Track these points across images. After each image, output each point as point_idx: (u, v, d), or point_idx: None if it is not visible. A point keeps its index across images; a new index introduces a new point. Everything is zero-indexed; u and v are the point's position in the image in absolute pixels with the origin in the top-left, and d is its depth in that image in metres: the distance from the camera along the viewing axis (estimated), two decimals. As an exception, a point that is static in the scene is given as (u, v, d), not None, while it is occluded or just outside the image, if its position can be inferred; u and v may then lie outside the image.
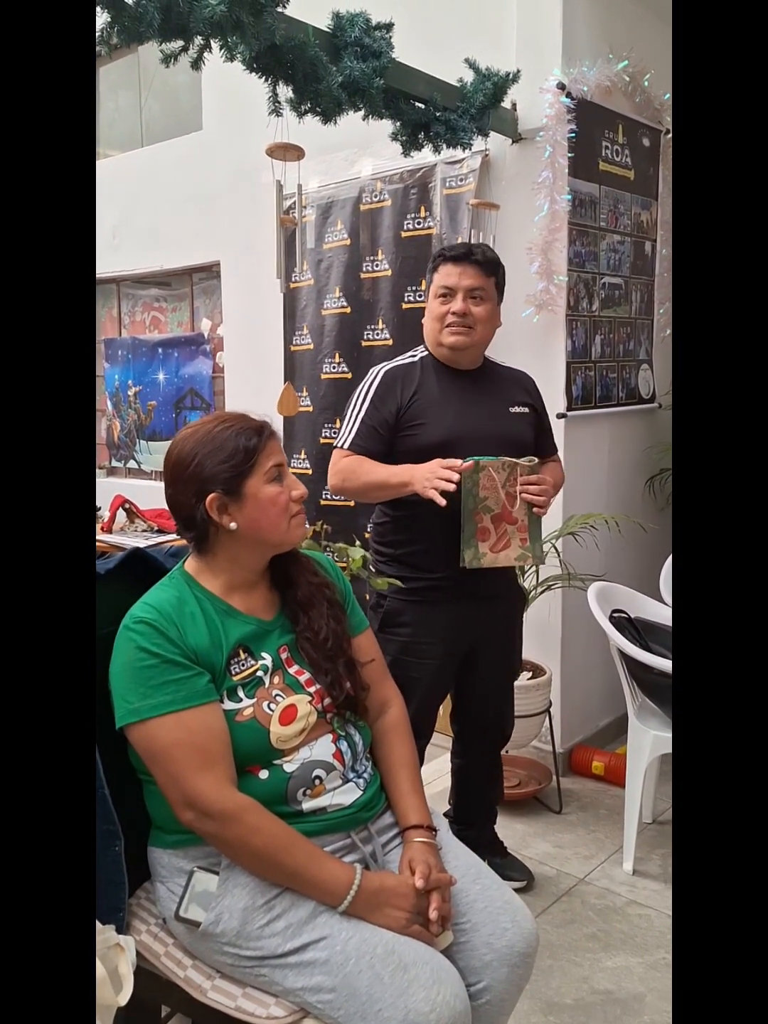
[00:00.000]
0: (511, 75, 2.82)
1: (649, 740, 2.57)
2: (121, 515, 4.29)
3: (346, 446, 2.22)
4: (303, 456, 3.84)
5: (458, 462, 2.04)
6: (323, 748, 1.47)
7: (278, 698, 1.45)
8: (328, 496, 3.73)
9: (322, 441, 3.75)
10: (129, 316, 5.13)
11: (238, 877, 1.38)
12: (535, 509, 2.16)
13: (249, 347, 4.26)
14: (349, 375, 3.63)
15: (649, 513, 3.49)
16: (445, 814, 2.73)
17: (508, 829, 2.88)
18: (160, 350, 4.82)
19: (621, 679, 2.67)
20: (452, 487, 2.00)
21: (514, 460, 2.13)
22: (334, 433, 3.68)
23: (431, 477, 2.03)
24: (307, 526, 1.53)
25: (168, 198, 4.55)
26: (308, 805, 1.44)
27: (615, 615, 2.66)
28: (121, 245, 4.84)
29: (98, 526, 4.22)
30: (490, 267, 2.22)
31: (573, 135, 2.93)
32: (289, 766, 1.43)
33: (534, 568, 2.92)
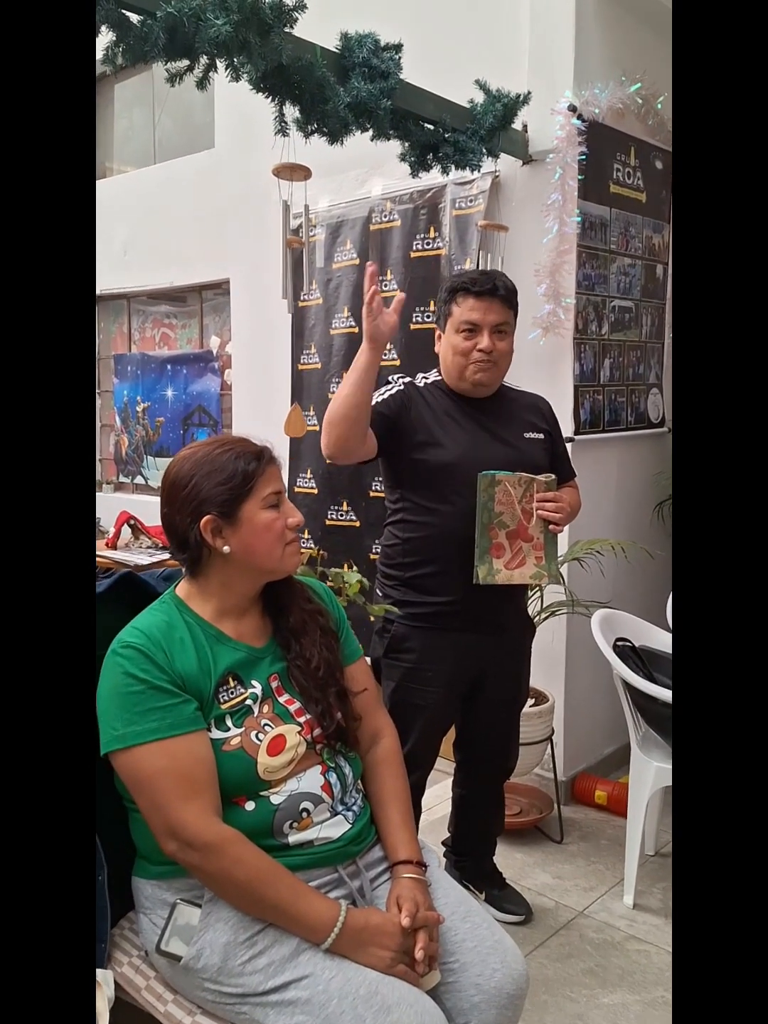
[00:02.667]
0: (522, 97, 2.81)
1: (652, 772, 2.52)
2: (126, 531, 4.27)
3: None
4: (310, 475, 3.82)
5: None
6: (311, 780, 1.44)
7: (267, 728, 1.42)
8: (333, 516, 3.71)
9: (329, 462, 3.72)
10: (139, 332, 5.14)
11: (221, 911, 1.35)
12: (551, 527, 2.14)
13: (257, 365, 4.25)
14: (356, 395, 3.61)
15: (657, 539, 3.45)
16: (443, 843, 2.69)
17: (508, 858, 2.83)
18: (169, 366, 4.83)
19: (625, 708, 2.63)
20: (379, 301, 1.87)
21: (531, 476, 2.11)
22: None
23: (369, 324, 1.89)
24: (302, 553, 1.50)
25: (179, 215, 4.56)
26: (295, 838, 1.40)
27: (619, 643, 2.62)
28: (132, 261, 4.86)
29: (103, 542, 4.21)
30: (512, 299, 2.18)
31: (584, 157, 2.91)
32: (276, 798, 1.40)
33: (538, 594, 2.89)
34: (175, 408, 4.81)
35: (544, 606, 2.92)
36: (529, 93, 2.83)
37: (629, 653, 2.61)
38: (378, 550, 3.58)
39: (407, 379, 2.26)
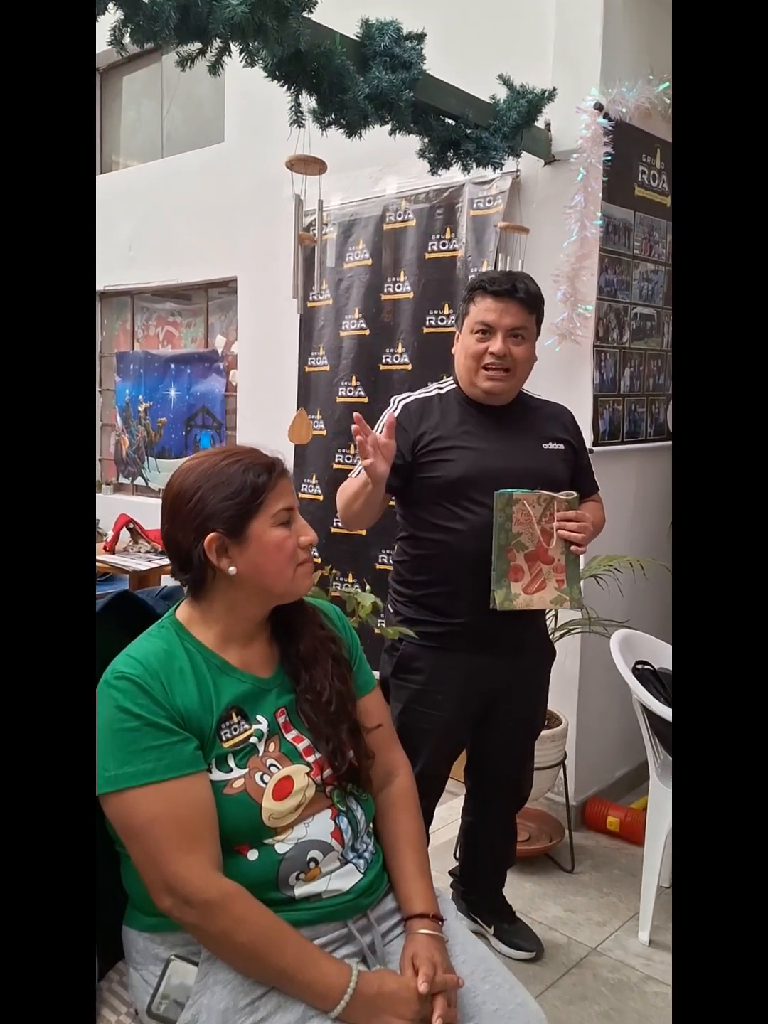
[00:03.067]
0: (547, 93, 2.69)
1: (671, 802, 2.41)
2: (125, 535, 4.17)
3: (355, 476, 2.07)
4: (314, 481, 3.71)
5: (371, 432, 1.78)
6: (320, 826, 1.32)
7: (273, 769, 1.29)
8: (338, 523, 3.59)
9: (335, 466, 3.61)
10: (143, 330, 5.03)
11: (219, 972, 1.22)
12: (573, 548, 2.01)
13: (264, 366, 4.14)
14: (366, 400, 3.49)
15: (674, 555, 3.33)
16: (451, 872, 2.57)
17: (516, 888, 2.70)
18: (173, 366, 4.71)
19: (643, 735, 2.51)
20: (370, 439, 1.76)
21: (551, 494, 1.98)
22: (348, 459, 3.55)
23: (367, 466, 1.81)
24: (313, 575, 1.37)
25: (186, 210, 4.45)
26: (301, 891, 1.28)
27: (639, 667, 2.50)
28: (137, 257, 4.75)
29: (101, 545, 4.10)
30: (533, 303, 2.04)
31: (609, 158, 2.79)
32: (282, 846, 1.28)
33: (554, 612, 2.77)
34: (178, 409, 4.69)
35: (559, 625, 2.81)
36: (554, 90, 2.71)
37: (649, 677, 2.50)
38: (384, 560, 3.48)
39: (408, 400, 2.13)
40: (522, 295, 2.01)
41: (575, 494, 2.03)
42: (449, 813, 2.94)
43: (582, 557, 2.13)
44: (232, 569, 1.31)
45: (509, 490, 1.94)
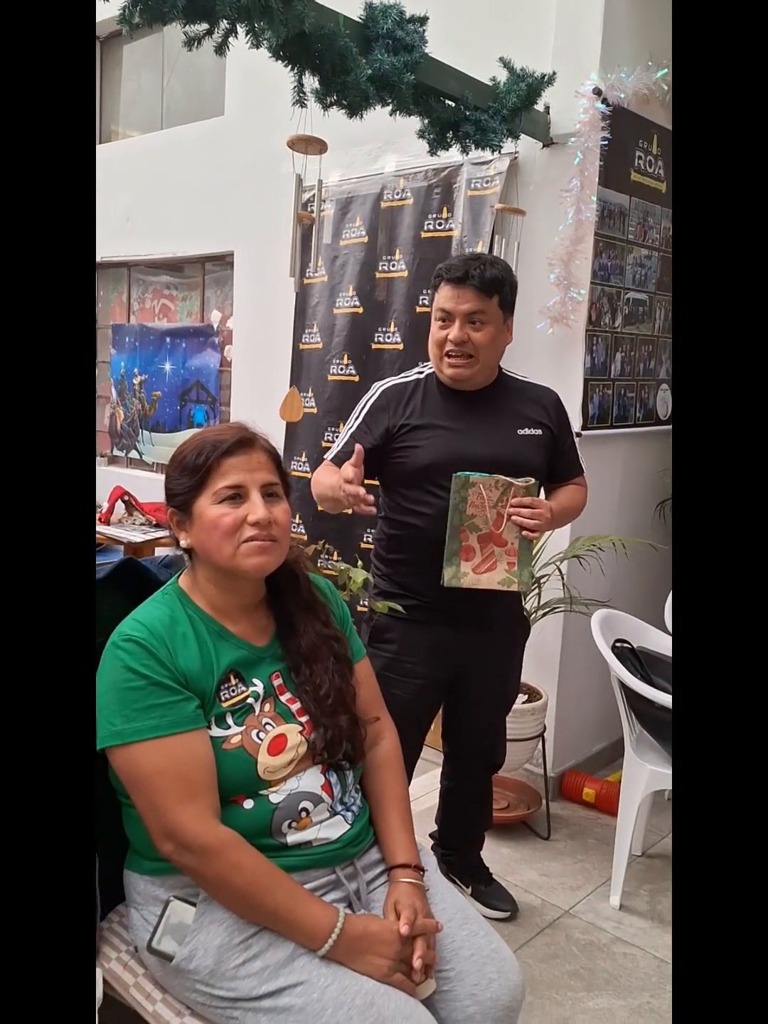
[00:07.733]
0: (546, 77, 2.73)
1: (645, 775, 2.49)
2: (119, 507, 4.22)
3: (330, 458, 2.17)
4: (304, 459, 3.75)
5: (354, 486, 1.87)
6: (311, 779, 1.40)
7: (268, 727, 1.37)
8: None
9: (324, 444, 3.65)
10: (139, 302, 5.04)
11: (215, 912, 1.30)
12: (524, 533, 2.06)
13: (258, 342, 4.17)
14: (356, 378, 3.53)
15: (658, 538, 3.41)
16: (431, 836, 2.65)
17: (494, 854, 2.80)
18: (168, 339, 4.73)
19: (620, 710, 2.59)
20: (359, 505, 1.87)
21: (508, 479, 2.02)
22: (336, 438, 3.59)
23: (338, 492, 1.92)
24: (268, 554, 1.40)
25: (185, 183, 4.46)
26: (293, 838, 1.36)
27: (618, 645, 2.58)
28: (134, 229, 4.76)
29: (96, 516, 4.15)
30: (491, 287, 2.05)
31: (606, 143, 2.84)
32: (275, 797, 1.35)
33: (537, 591, 2.84)
34: (173, 383, 4.72)
35: (542, 603, 2.88)
36: (554, 74, 2.75)
37: (628, 655, 2.58)
38: (368, 539, 3.53)
39: (387, 385, 2.19)
40: (477, 281, 2.03)
41: (533, 481, 2.05)
42: (431, 782, 3.03)
43: (562, 532, 2.19)
44: (183, 542, 1.41)
45: (466, 473, 2.00)
